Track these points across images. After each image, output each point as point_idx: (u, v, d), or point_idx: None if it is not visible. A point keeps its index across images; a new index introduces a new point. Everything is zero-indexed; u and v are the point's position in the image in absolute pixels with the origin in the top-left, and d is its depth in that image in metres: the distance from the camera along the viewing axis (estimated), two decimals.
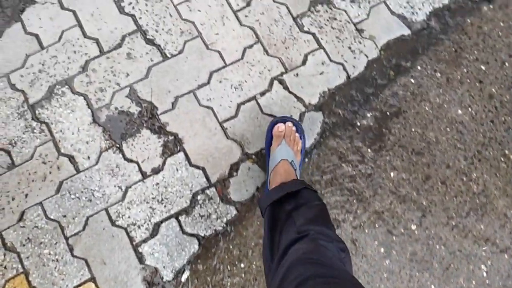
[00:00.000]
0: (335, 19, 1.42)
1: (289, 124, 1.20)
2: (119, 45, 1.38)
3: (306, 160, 1.32)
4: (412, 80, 1.39)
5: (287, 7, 1.43)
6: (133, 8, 1.41)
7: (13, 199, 1.26)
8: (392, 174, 1.31)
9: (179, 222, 1.25)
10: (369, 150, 1.33)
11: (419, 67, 1.40)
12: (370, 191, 1.30)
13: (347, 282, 0.59)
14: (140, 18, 1.40)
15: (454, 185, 1.31)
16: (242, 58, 1.38)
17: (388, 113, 1.37)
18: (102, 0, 1.42)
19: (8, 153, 1.29)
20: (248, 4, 1.43)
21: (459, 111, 1.38)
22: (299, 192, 0.92)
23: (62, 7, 1.41)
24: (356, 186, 1.30)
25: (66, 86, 1.34)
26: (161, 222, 1.25)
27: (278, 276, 0.67)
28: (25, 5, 1.42)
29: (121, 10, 1.41)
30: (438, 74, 1.40)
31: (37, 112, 1.32)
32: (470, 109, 1.38)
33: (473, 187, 1.31)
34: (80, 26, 1.39)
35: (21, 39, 1.38)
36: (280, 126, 1.19)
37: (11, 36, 1.38)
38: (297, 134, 1.22)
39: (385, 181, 1.30)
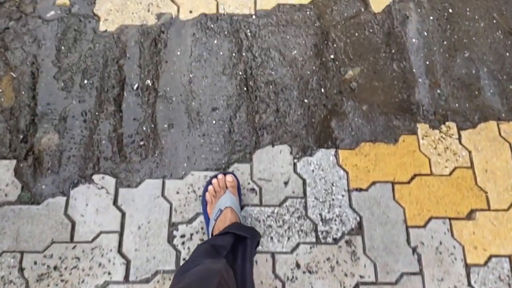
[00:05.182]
0: None
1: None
2: (147, 280, 1.24)
3: None
4: None
5: None
6: (182, 243, 1.29)
7: None
8: None
9: None
10: None
11: None
12: None
13: None
14: (184, 258, 1.26)
15: None
16: None
17: None
18: (157, 215, 1.30)
19: None
20: None
21: None
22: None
23: (115, 202, 1.31)
24: None
25: None
26: None
27: None
28: (81, 180, 1.33)
29: (170, 239, 1.29)
30: None
31: None
32: None
33: None
34: (121, 235, 1.28)
35: (57, 219, 1.29)
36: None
37: (49, 210, 1.30)
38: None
39: None
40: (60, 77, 1.47)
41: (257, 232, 1.19)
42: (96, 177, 1.36)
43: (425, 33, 1.61)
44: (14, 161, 1.36)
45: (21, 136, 1.38)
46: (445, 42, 1.60)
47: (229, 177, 1.31)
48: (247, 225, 1.33)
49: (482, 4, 1.66)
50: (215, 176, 1.33)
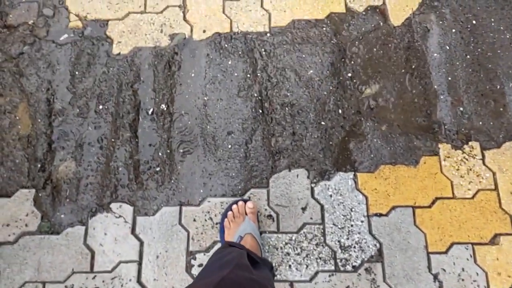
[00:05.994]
0: None
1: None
2: None
3: None
4: None
5: None
6: None
7: None
8: None
9: None
10: None
11: None
12: None
13: None
14: None
15: None
16: None
17: None
18: (175, 244, 1.32)
19: None
20: None
21: None
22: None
23: (133, 231, 1.32)
24: None
25: None
26: None
27: None
28: (99, 208, 1.34)
29: (188, 268, 1.30)
30: None
31: None
32: None
33: None
34: (139, 264, 1.29)
35: (76, 249, 1.30)
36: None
37: (69, 240, 1.31)
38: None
39: None
40: (75, 103, 1.47)
41: (268, 260, 1.23)
42: (113, 206, 1.37)
43: (447, 47, 1.55)
44: (33, 190, 1.38)
45: (39, 165, 1.40)
46: (468, 56, 1.54)
47: (249, 204, 1.31)
48: (265, 252, 1.33)
49: (508, 14, 1.58)
50: (236, 202, 1.32)
